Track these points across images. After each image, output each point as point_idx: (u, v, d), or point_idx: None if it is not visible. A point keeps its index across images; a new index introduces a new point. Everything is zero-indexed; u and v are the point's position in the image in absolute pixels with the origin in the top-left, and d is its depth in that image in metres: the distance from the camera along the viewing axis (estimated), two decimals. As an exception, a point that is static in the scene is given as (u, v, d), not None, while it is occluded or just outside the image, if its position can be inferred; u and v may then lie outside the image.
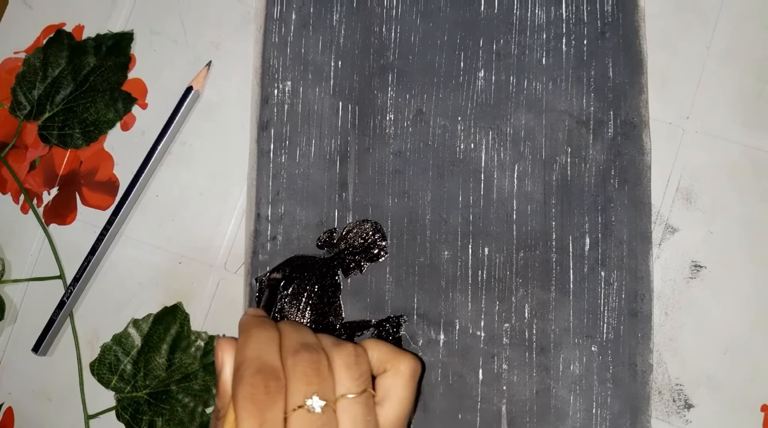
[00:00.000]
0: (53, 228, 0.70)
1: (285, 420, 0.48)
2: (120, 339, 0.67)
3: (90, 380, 0.67)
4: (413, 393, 0.53)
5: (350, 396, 0.50)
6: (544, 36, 0.65)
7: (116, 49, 0.71)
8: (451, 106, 0.65)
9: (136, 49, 0.72)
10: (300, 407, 0.48)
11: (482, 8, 0.66)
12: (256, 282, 0.65)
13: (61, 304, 0.67)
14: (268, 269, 0.65)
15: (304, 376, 0.49)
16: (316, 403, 0.48)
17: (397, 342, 0.63)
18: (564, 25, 0.65)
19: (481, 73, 0.66)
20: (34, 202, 0.71)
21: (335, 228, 0.65)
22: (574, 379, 0.62)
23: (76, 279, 0.68)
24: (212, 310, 0.67)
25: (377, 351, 0.53)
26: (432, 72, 0.66)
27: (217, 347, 0.53)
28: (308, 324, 0.64)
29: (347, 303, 0.64)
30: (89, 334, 0.68)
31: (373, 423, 0.51)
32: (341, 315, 0.64)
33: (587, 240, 0.63)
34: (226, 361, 0.52)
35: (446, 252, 0.64)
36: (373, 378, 0.53)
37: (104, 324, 0.68)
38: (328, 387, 0.49)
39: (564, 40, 0.65)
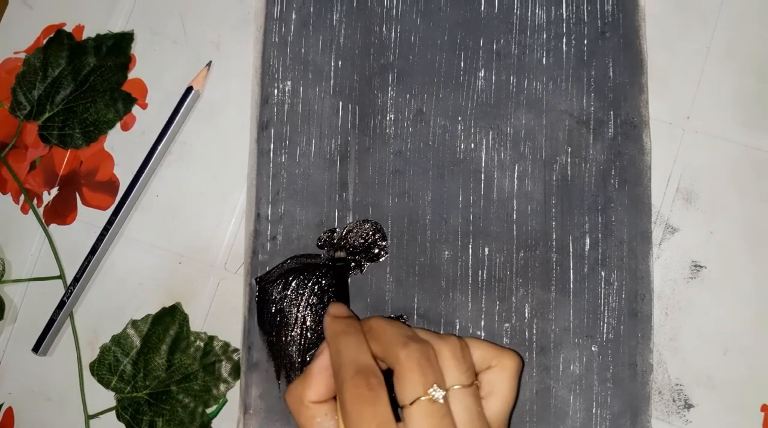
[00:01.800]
0: (53, 228, 0.70)
1: (403, 409, 0.48)
2: (119, 340, 0.67)
3: (90, 380, 0.67)
4: (517, 387, 0.54)
5: (458, 387, 0.50)
6: (545, 36, 0.65)
7: (116, 49, 0.71)
8: (452, 105, 0.65)
9: (136, 49, 0.72)
10: (418, 399, 0.48)
11: (482, 8, 0.66)
12: (256, 283, 0.65)
13: (61, 304, 0.67)
14: (267, 269, 0.65)
15: (419, 367, 0.49)
16: (438, 393, 0.48)
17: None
18: (564, 24, 0.65)
19: (482, 73, 0.66)
20: (34, 202, 0.71)
21: (335, 228, 0.65)
22: (574, 379, 0.62)
23: (76, 279, 0.68)
24: (212, 310, 0.67)
25: (480, 349, 0.54)
26: (432, 72, 0.66)
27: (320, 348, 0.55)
28: (309, 324, 0.64)
29: (347, 303, 0.64)
30: (89, 334, 0.68)
31: (482, 417, 0.51)
32: (341, 315, 0.64)
33: (587, 240, 0.63)
34: (322, 354, 0.54)
35: (446, 252, 0.64)
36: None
37: (104, 325, 0.68)
38: (441, 376, 0.50)
39: (564, 40, 0.65)
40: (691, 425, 0.62)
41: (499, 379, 0.53)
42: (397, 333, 0.51)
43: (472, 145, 0.65)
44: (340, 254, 0.65)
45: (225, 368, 0.66)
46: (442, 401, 0.48)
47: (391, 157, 0.65)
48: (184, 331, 0.67)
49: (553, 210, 0.63)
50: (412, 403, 0.48)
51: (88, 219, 0.70)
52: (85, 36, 0.72)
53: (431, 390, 0.48)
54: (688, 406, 0.62)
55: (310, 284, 0.64)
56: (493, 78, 0.65)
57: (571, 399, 0.62)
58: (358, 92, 0.66)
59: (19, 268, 0.70)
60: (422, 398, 0.48)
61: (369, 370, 0.49)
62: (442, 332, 0.63)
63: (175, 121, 0.68)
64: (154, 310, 0.67)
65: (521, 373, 0.57)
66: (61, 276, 0.69)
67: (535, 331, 0.63)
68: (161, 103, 0.70)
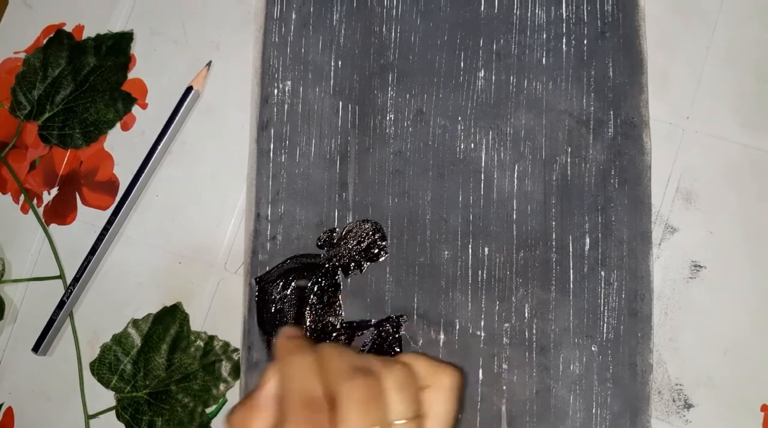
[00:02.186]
0: (53, 228, 0.70)
1: None
2: (120, 339, 0.67)
3: (90, 380, 0.67)
4: (456, 405, 0.52)
5: (402, 422, 0.48)
6: (544, 36, 0.65)
7: (116, 49, 0.71)
8: (451, 105, 0.65)
9: (136, 49, 0.72)
10: None
11: (482, 8, 0.66)
12: (256, 283, 0.65)
13: (61, 304, 0.68)
14: (267, 268, 0.65)
15: (362, 405, 0.47)
16: None
17: (397, 343, 0.63)
18: (564, 24, 0.65)
19: (481, 73, 0.66)
20: (34, 201, 0.71)
21: (335, 228, 0.65)
22: (574, 379, 0.62)
23: (76, 279, 0.68)
24: (212, 310, 0.67)
25: (417, 366, 0.51)
26: (432, 72, 0.66)
27: (267, 371, 0.51)
28: (308, 324, 0.64)
29: (347, 303, 0.64)
30: (89, 334, 0.68)
31: None
32: (341, 315, 0.64)
33: (587, 240, 0.63)
34: (269, 381, 0.51)
35: (446, 252, 0.64)
36: None
37: (104, 324, 0.68)
38: (384, 414, 0.48)
39: (564, 40, 0.65)
40: (691, 425, 0.62)
41: (436, 399, 0.51)
42: (344, 365, 0.49)
43: (472, 145, 0.65)
44: (301, 283, 0.64)
45: (225, 368, 0.66)
46: None
47: (391, 157, 0.65)
48: (185, 331, 0.67)
49: (553, 210, 0.64)
50: None
51: (88, 219, 0.70)
52: (85, 36, 0.72)
53: None
54: (688, 406, 0.62)
55: (309, 284, 0.64)
56: (493, 78, 0.65)
57: (571, 399, 0.62)
58: (358, 92, 0.66)
59: (19, 268, 0.70)
60: None
61: (315, 405, 0.47)
62: (442, 332, 0.63)
63: (175, 121, 0.68)
64: (153, 310, 0.67)
65: (462, 388, 0.55)
66: (61, 276, 0.69)
67: (534, 331, 0.63)
68: (161, 103, 0.70)
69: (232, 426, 0.51)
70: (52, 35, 0.72)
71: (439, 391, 0.51)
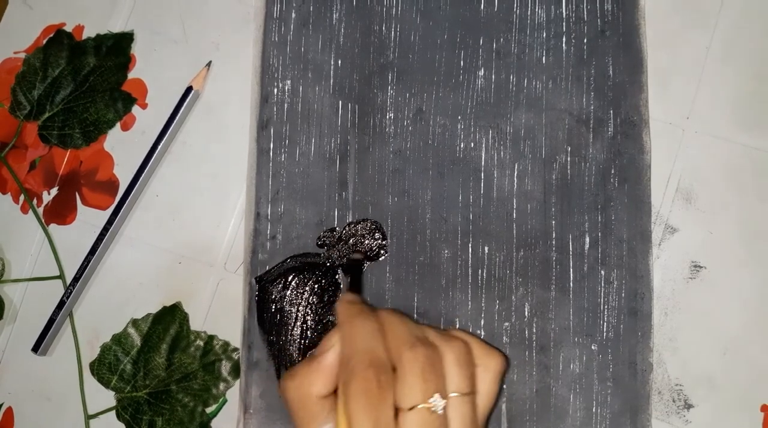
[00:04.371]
0: (53, 228, 0.70)
1: (397, 415, 0.47)
2: (119, 339, 0.67)
3: (90, 380, 0.67)
4: (498, 389, 0.54)
5: (457, 395, 0.49)
6: (544, 35, 0.66)
7: (116, 49, 0.71)
8: (451, 104, 0.65)
9: (136, 49, 0.72)
10: (416, 406, 0.47)
11: (482, 7, 0.66)
12: (256, 282, 0.65)
13: (61, 304, 0.67)
14: (267, 268, 0.65)
15: (423, 372, 0.48)
16: (439, 402, 0.48)
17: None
18: (564, 23, 0.65)
19: (481, 72, 0.66)
20: (34, 202, 0.71)
21: (335, 228, 0.65)
22: (574, 378, 0.62)
23: (76, 279, 0.68)
24: (212, 310, 0.67)
25: (472, 345, 0.53)
26: (432, 71, 0.66)
27: (330, 337, 0.53)
28: (309, 324, 0.64)
29: (347, 302, 0.64)
30: (89, 334, 0.68)
31: (477, 423, 0.51)
32: (341, 314, 0.64)
33: (587, 239, 0.63)
34: (334, 346, 0.52)
35: (446, 251, 0.64)
36: None
37: (104, 324, 0.68)
38: (443, 384, 0.49)
39: (564, 39, 0.65)
40: (691, 425, 0.62)
41: (482, 379, 0.53)
42: (406, 332, 0.51)
43: (472, 144, 0.65)
44: (356, 256, 0.65)
45: (225, 367, 0.66)
46: (441, 411, 0.48)
47: (391, 156, 0.65)
48: (185, 330, 0.67)
49: (553, 209, 0.64)
50: (410, 409, 0.47)
51: (88, 219, 0.70)
52: (85, 36, 0.72)
53: (432, 399, 0.47)
54: (688, 406, 0.62)
55: (309, 283, 0.64)
56: (493, 77, 0.65)
57: (571, 398, 0.62)
58: (358, 91, 0.66)
59: (19, 268, 0.70)
60: (421, 406, 0.47)
61: (382, 365, 0.48)
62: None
63: (175, 121, 0.68)
64: (153, 310, 0.67)
65: (504, 375, 0.57)
66: (61, 276, 0.69)
67: (534, 330, 0.63)
68: (161, 103, 0.70)
69: (292, 390, 0.52)
70: (52, 35, 0.72)
71: (487, 372, 0.53)
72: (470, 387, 0.50)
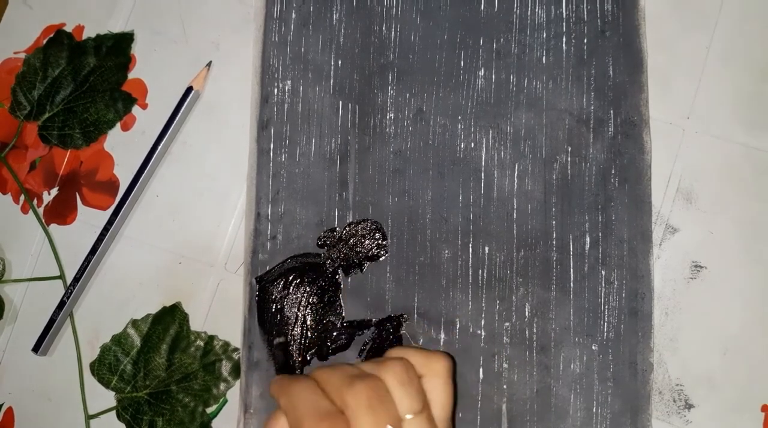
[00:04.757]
0: (53, 228, 0.70)
1: None
2: (119, 339, 0.67)
3: (90, 380, 0.67)
4: (452, 388, 0.53)
5: (411, 416, 0.48)
6: (545, 35, 0.65)
7: (116, 49, 0.71)
8: (452, 105, 0.65)
9: (137, 49, 0.72)
10: None
11: (482, 7, 0.66)
12: (256, 282, 0.65)
13: (61, 304, 0.67)
14: (267, 268, 0.65)
15: (370, 407, 0.47)
16: None
17: (397, 342, 0.63)
18: (564, 23, 0.65)
19: (482, 72, 0.66)
20: (35, 202, 0.71)
21: (335, 228, 0.65)
22: (574, 378, 0.62)
23: (76, 279, 0.68)
24: (212, 310, 0.67)
25: (409, 359, 0.52)
26: (432, 71, 0.66)
27: (270, 420, 0.51)
28: (309, 324, 0.64)
29: (347, 302, 0.64)
30: (89, 334, 0.68)
31: None
32: (341, 314, 0.64)
33: (587, 239, 0.63)
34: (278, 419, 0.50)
35: (446, 252, 0.64)
36: None
37: (104, 324, 0.68)
38: (394, 410, 0.48)
39: (564, 39, 0.65)
40: (692, 425, 0.62)
41: (432, 386, 0.52)
42: (340, 375, 0.49)
43: (472, 144, 0.65)
44: (280, 340, 0.64)
45: (225, 367, 0.66)
46: None
47: (391, 156, 0.65)
48: (185, 331, 0.67)
49: (553, 209, 0.64)
50: None
51: (88, 219, 0.70)
52: (85, 36, 0.72)
53: None
54: (689, 406, 0.62)
55: (310, 283, 0.64)
56: (493, 77, 0.65)
57: (572, 398, 0.62)
58: (358, 91, 0.66)
59: (19, 268, 0.70)
60: None
61: (332, 414, 0.47)
62: (442, 331, 0.63)
63: (175, 121, 0.68)
64: (153, 310, 0.67)
65: (454, 372, 0.55)
66: (61, 276, 0.69)
67: (535, 330, 0.63)
68: (161, 103, 0.70)
69: None
70: (52, 35, 0.72)
71: (434, 378, 0.52)
72: (420, 403, 0.49)
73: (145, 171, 0.68)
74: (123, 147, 0.70)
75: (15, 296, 0.70)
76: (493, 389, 0.62)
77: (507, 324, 0.63)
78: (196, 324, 0.67)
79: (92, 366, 0.67)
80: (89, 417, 0.67)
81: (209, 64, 0.70)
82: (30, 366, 0.69)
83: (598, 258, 0.63)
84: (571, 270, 0.63)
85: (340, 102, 0.66)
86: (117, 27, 0.72)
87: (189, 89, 0.69)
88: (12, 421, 0.69)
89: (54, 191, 0.71)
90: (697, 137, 0.64)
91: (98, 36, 0.72)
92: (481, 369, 0.63)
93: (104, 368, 0.67)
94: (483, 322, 0.63)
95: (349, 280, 0.65)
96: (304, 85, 0.67)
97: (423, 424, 0.49)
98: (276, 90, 0.67)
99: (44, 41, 0.72)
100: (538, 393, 0.62)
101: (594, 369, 0.62)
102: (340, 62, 0.67)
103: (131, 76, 0.71)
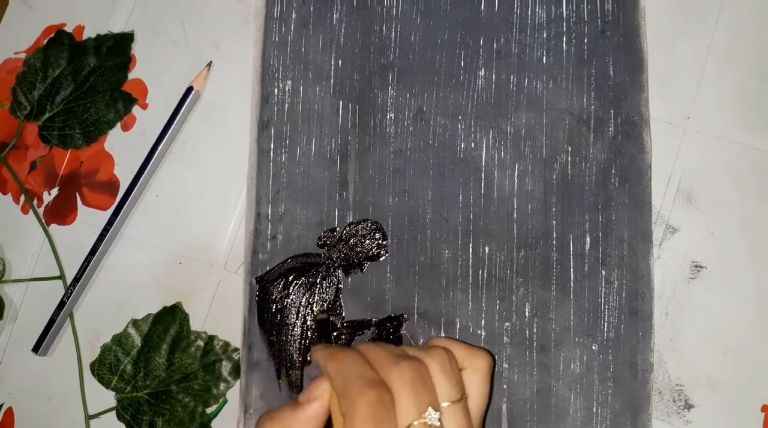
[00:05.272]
0: (53, 228, 0.70)
1: None
2: (120, 339, 0.67)
3: (90, 380, 0.67)
4: (490, 386, 0.53)
5: (448, 403, 0.49)
6: (545, 35, 0.65)
7: (116, 49, 0.71)
8: (452, 104, 0.65)
9: (137, 49, 0.72)
10: (413, 423, 0.47)
11: (482, 7, 0.66)
12: (256, 282, 0.65)
13: (61, 304, 0.67)
14: (267, 268, 0.65)
15: (413, 386, 0.48)
16: (434, 415, 0.47)
17: (397, 341, 0.63)
18: (564, 23, 0.65)
19: (482, 72, 0.66)
20: (35, 202, 0.71)
21: (335, 228, 0.65)
22: (574, 378, 0.62)
23: (76, 279, 0.68)
24: (212, 310, 0.67)
25: (454, 350, 0.53)
26: (432, 71, 0.66)
27: (315, 382, 0.51)
28: (309, 324, 0.64)
29: (347, 302, 0.64)
30: (89, 334, 0.68)
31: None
32: (341, 314, 0.64)
33: (588, 239, 0.63)
34: (321, 396, 0.50)
35: (447, 251, 0.64)
36: None
37: (104, 324, 0.68)
38: (435, 395, 0.49)
39: (564, 39, 0.65)
40: (692, 425, 0.62)
41: (472, 381, 0.52)
42: (386, 353, 0.50)
43: (473, 144, 0.65)
44: (322, 316, 0.64)
45: (225, 367, 0.66)
46: (438, 424, 0.47)
47: (392, 156, 0.65)
48: (185, 331, 0.67)
49: (554, 209, 0.64)
50: (408, 426, 0.47)
51: (88, 219, 0.70)
52: (85, 36, 0.72)
53: (426, 413, 0.47)
54: (689, 406, 0.62)
55: (310, 283, 0.64)
56: (494, 77, 0.65)
57: (572, 398, 0.62)
58: (359, 91, 0.66)
59: (19, 268, 0.70)
60: (417, 422, 0.47)
61: (380, 385, 0.48)
62: (442, 331, 0.63)
63: (175, 121, 0.68)
64: (153, 310, 0.67)
65: (493, 371, 0.57)
66: (61, 276, 0.69)
67: (535, 330, 0.63)
68: (161, 103, 0.70)
69: None
70: (52, 35, 0.72)
71: (476, 373, 0.53)
72: (460, 393, 0.50)
73: (145, 171, 0.68)
74: (123, 147, 0.70)
75: (15, 296, 0.70)
76: (493, 389, 0.62)
77: (507, 324, 0.63)
78: (196, 324, 0.67)
79: (92, 366, 0.67)
80: (89, 417, 0.67)
81: (209, 64, 0.70)
82: (30, 366, 0.69)
83: (598, 258, 0.63)
84: (571, 270, 0.63)
85: (341, 102, 0.66)
86: (117, 27, 0.72)
87: (189, 89, 0.69)
88: (12, 421, 0.69)
89: (54, 191, 0.71)
90: (697, 137, 0.64)
91: (98, 36, 0.72)
92: (482, 369, 0.63)
93: (104, 368, 0.67)
94: (483, 322, 0.63)
95: (349, 280, 0.65)
96: (305, 85, 0.67)
97: (460, 413, 0.49)
98: (276, 90, 0.67)
99: (44, 41, 0.72)
100: (538, 393, 0.62)
101: (594, 369, 0.62)
102: (340, 62, 0.67)
103: (131, 76, 0.71)
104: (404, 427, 0.47)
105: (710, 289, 0.63)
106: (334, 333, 0.64)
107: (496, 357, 0.63)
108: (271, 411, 0.51)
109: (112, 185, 0.70)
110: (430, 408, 0.47)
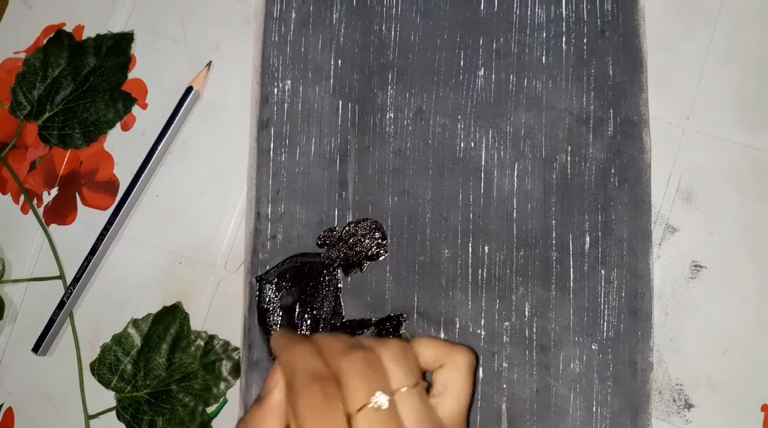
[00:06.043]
0: (53, 228, 0.70)
1: (349, 421, 0.48)
2: (120, 339, 0.67)
3: (90, 380, 0.67)
4: (471, 384, 0.53)
5: (404, 389, 0.49)
6: (544, 34, 0.66)
7: (116, 49, 0.72)
8: (451, 104, 0.66)
9: (137, 49, 0.72)
10: (365, 406, 0.48)
11: (482, 7, 0.66)
12: (256, 282, 0.65)
13: (61, 304, 0.67)
14: (267, 267, 0.65)
15: (362, 374, 0.49)
16: (382, 398, 0.48)
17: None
18: (564, 23, 0.65)
19: (481, 72, 0.66)
20: (34, 202, 0.71)
21: (335, 227, 0.65)
22: (574, 377, 0.62)
23: (76, 279, 0.68)
24: (212, 310, 0.67)
25: (431, 348, 0.54)
26: (432, 70, 0.66)
27: (270, 373, 0.53)
28: (308, 324, 0.64)
29: (347, 302, 0.64)
30: (89, 334, 0.68)
31: (432, 414, 0.51)
32: (341, 314, 0.64)
33: (587, 239, 0.63)
34: (278, 383, 0.52)
35: (446, 251, 0.64)
36: (425, 374, 0.53)
37: (104, 324, 0.68)
38: (385, 382, 0.49)
39: (564, 39, 0.65)
40: (692, 425, 0.62)
41: (451, 377, 0.53)
42: (340, 344, 0.51)
43: (472, 144, 0.65)
44: (287, 300, 0.65)
45: (225, 367, 0.66)
46: (386, 406, 0.48)
47: (391, 156, 0.65)
48: (185, 330, 0.67)
49: (553, 208, 0.64)
50: (358, 410, 0.48)
51: (88, 219, 0.70)
52: (85, 36, 0.72)
53: (373, 397, 0.48)
54: (689, 406, 0.62)
55: (310, 283, 0.64)
56: (493, 77, 0.65)
57: (572, 398, 0.62)
58: (358, 91, 0.67)
59: (19, 268, 0.70)
60: (367, 406, 0.48)
61: (324, 377, 0.49)
62: (442, 330, 0.63)
63: (175, 121, 0.68)
64: (153, 310, 0.67)
65: (476, 369, 0.57)
66: (61, 276, 0.69)
67: (535, 330, 0.63)
68: (161, 103, 0.70)
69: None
70: (52, 35, 0.72)
71: (455, 370, 0.53)
72: (414, 379, 0.50)
73: (145, 171, 0.68)
74: (123, 147, 0.70)
75: (15, 296, 0.70)
76: (492, 388, 0.62)
77: (507, 323, 0.63)
78: (196, 324, 0.67)
79: (92, 365, 0.67)
80: (89, 417, 0.67)
81: (209, 64, 0.70)
82: (30, 366, 0.69)
83: (598, 257, 0.63)
84: (571, 269, 0.63)
85: (340, 101, 0.66)
86: (117, 27, 0.72)
87: (189, 89, 0.69)
88: (12, 421, 0.69)
89: (54, 191, 0.71)
90: (697, 137, 0.64)
91: (98, 36, 0.72)
92: (480, 369, 0.62)
93: (104, 368, 0.67)
94: (483, 322, 0.63)
95: (349, 280, 0.65)
96: (304, 84, 0.67)
97: (416, 398, 0.50)
98: (276, 90, 0.67)
99: (44, 41, 0.72)
100: (537, 393, 0.62)
101: (594, 368, 0.62)
102: (340, 62, 0.67)
103: (131, 76, 0.71)
104: (354, 412, 0.48)
105: (710, 289, 0.63)
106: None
107: (496, 356, 0.63)
108: (243, 417, 0.54)
109: (112, 185, 0.70)
110: (378, 392, 0.48)
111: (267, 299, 0.65)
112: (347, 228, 0.65)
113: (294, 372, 0.50)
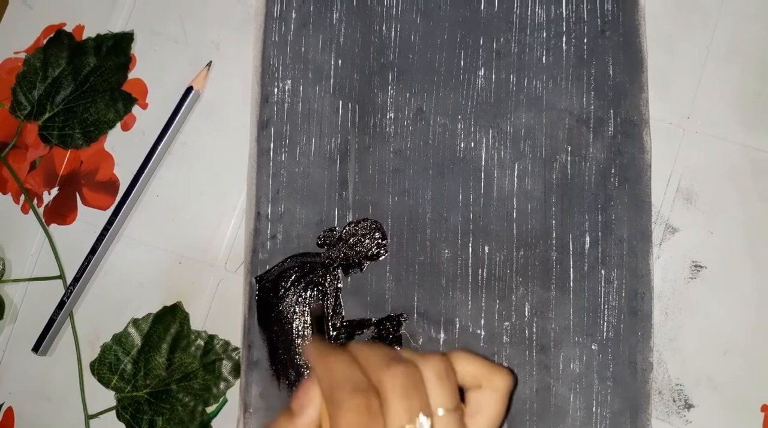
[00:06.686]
0: (53, 228, 0.70)
1: None
2: (120, 338, 0.67)
3: (90, 380, 0.67)
4: (505, 407, 0.51)
5: (443, 412, 0.47)
6: (544, 34, 0.65)
7: (116, 49, 0.72)
8: (452, 104, 0.65)
9: (137, 49, 0.72)
10: (405, 426, 0.46)
11: (482, 7, 0.66)
12: (256, 282, 0.65)
13: (61, 304, 0.67)
14: (267, 267, 0.65)
15: (405, 391, 0.46)
16: (425, 423, 0.46)
17: (397, 341, 0.63)
18: (564, 23, 0.65)
19: (482, 72, 0.66)
20: (35, 202, 0.71)
21: (335, 227, 0.65)
22: (574, 377, 0.62)
23: (76, 279, 0.68)
24: (212, 310, 0.67)
25: (470, 365, 0.51)
26: (432, 70, 0.66)
27: (304, 386, 0.51)
28: (309, 324, 0.64)
29: (347, 302, 0.64)
30: (89, 334, 0.68)
31: None
32: (341, 314, 0.64)
33: (587, 239, 0.63)
34: (313, 400, 0.50)
35: (446, 251, 0.64)
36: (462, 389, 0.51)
37: (104, 324, 0.68)
38: (426, 401, 0.47)
39: (564, 39, 0.65)
40: (692, 425, 0.61)
41: (487, 400, 0.50)
42: (379, 355, 0.49)
43: (472, 144, 0.65)
44: (316, 306, 0.64)
45: (225, 367, 0.66)
46: None
47: (391, 156, 0.65)
48: (185, 330, 0.67)
49: (553, 208, 0.63)
50: None
51: (88, 219, 0.70)
52: (85, 36, 0.72)
53: (417, 419, 0.46)
54: (689, 406, 0.62)
55: (309, 282, 0.64)
56: (493, 77, 0.65)
57: (571, 398, 0.62)
58: (358, 91, 0.67)
59: (19, 268, 0.70)
60: (407, 427, 0.46)
61: (367, 390, 0.47)
62: (442, 330, 0.63)
63: (175, 121, 0.68)
64: (153, 310, 0.67)
65: (512, 393, 0.54)
66: (61, 276, 0.69)
67: (535, 330, 0.63)
68: (161, 103, 0.70)
69: None
70: (52, 35, 0.72)
71: (493, 392, 0.51)
72: (454, 402, 0.48)
73: (145, 171, 0.68)
74: (123, 147, 0.71)
75: (15, 296, 0.70)
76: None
77: (507, 323, 0.63)
78: (196, 324, 0.67)
79: (92, 365, 0.67)
80: (89, 417, 0.67)
81: (209, 64, 0.70)
82: (30, 366, 0.69)
83: (598, 257, 0.63)
84: (571, 269, 0.63)
85: (340, 101, 0.66)
86: (117, 27, 0.72)
87: (189, 89, 0.69)
88: (12, 421, 0.69)
89: (54, 191, 0.71)
90: (697, 137, 0.64)
91: (98, 36, 0.72)
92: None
93: (104, 367, 0.67)
94: (483, 322, 0.63)
95: (349, 280, 0.65)
96: (304, 84, 0.67)
97: (452, 423, 0.48)
98: (276, 90, 0.67)
99: (44, 41, 0.72)
100: (537, 393, 0.62)
101: (594, 368, 0.62)
102: (340, 62, 0.67)
103: (131, 76, 0.71)
104: None
105: (710, 289, 0.63)
106: (333, 333, 0.64)
107: (496, 356, 0.63)
108: (268, 423, 0.51)
109: (112, 185, 0.70)
110: (421, 414, 0.46)
111: (267, 299, 0.65)
112: (347, 228, 0.65)
113: (334, 385, 0.48)
